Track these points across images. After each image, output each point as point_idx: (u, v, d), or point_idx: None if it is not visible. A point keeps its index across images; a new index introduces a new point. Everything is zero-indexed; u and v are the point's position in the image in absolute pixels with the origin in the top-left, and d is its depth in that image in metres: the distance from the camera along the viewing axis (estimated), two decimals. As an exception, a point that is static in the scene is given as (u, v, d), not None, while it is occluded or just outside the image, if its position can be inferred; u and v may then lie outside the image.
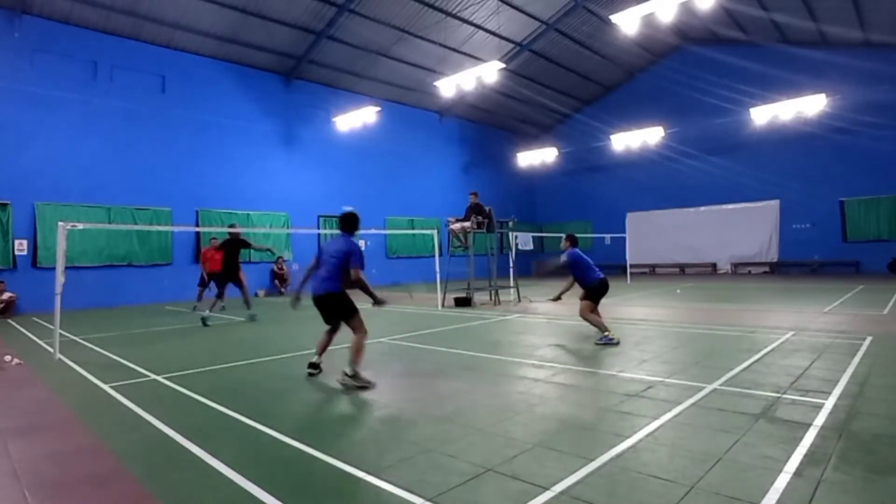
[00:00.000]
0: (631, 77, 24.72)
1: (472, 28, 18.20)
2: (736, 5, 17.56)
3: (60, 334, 6.69)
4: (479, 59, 18.00)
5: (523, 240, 16.12)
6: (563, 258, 7.18)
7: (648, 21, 12.77)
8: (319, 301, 5.07)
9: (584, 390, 4.52)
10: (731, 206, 22.12)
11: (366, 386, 4.69)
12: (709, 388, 4.36)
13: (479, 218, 11.93)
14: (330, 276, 4.98)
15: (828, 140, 19.37)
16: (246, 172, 17.08)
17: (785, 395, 4.07)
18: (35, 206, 13.11)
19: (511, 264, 13.88)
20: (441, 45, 18.13)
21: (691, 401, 4.00)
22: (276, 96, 18.01)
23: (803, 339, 6.53)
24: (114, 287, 14.17)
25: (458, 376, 5.12)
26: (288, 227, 17.81)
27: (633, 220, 22.27)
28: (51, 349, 6.56)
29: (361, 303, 5.09)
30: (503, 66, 15.75)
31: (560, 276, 8.14)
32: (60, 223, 6.67)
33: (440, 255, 13.11)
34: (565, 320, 8.75)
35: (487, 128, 25.84)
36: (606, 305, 10.66)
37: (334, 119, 18.76)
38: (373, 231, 18.99)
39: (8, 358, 6.34)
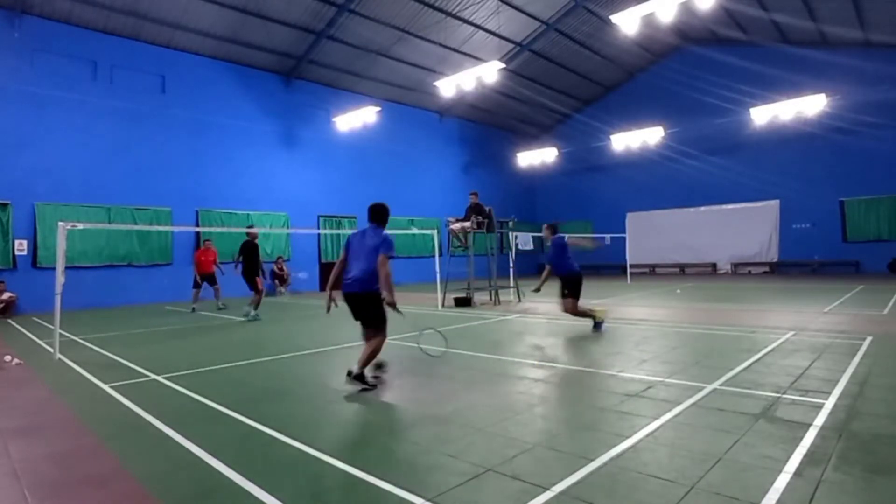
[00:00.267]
0: (631, 77, 24.73)
1: (472, 28, 18.20)
2: (736, 5, 17.56)
3: (60, 334, 6.69)
4: (479, 59, 18.01)
5: (523, 240, 16.14)
6: (549, 244, 7.40)
7: (648, 21, 12.78)
8: (354, 299, 4.76)
9: (584, 390, 4.52)
10: (731, 206, 22.12)
11: (369, 387, 4.61)
12: (709, 388, 4.35)
13: (479, 218, 11.93)
14: (365, 272, 4.68)
15: (828, 140, 19.37)
16: (246, 172, 17.09)
17: (785, 395, 4.07)
18: (35, 206, 13.11)
19: (511, 264, 13.89)
20: (441, 45, 18.13)
21: (691, 401, 4.00)
22: (276, 96, 18.01)
23: (803, 339, 6.53)
24: (114, 287, 14.17)
25: (458, 376, 5.11)
26: (288, 227, 17.81)
27: (633, 220, 22.27)
28: (51, 349, 6.56)
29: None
30: (503, 66, 15.75)
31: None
32: (60, 223, 6.67)
33: (440, 255, 13.12)
34: (565, 320, 8.75)
35: (487, 128, 25.84)
36: (607, 306, 10.65)
37: (334, 119, 18.77)
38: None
39: (8, 358, 6.34)
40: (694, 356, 5.73)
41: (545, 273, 7.55)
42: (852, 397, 3.98)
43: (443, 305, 11.71)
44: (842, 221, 19.66)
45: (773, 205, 21.22)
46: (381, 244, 4.68)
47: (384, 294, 4.63)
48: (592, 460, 2.91)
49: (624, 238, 19.76)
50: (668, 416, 3.67)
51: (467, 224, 11.91)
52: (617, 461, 2.91)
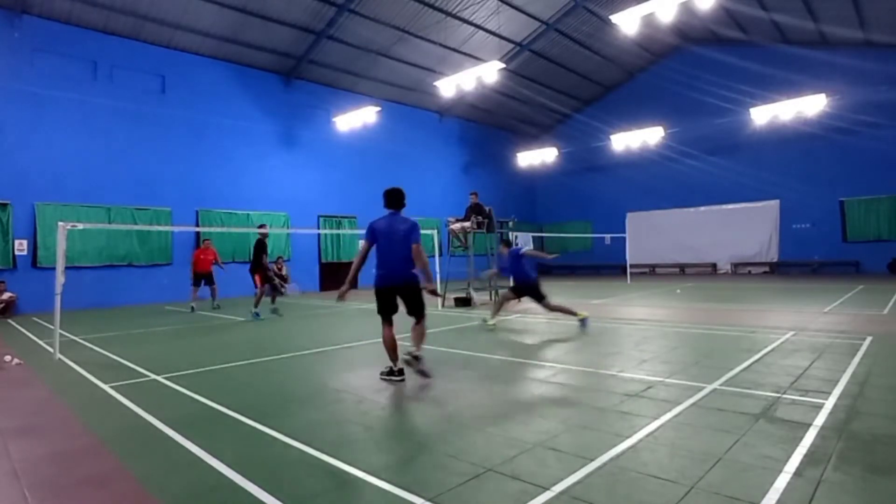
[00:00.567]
0: (631, 77, 24.73)
1: (472, 28, 18.20)
2: (736, 5, 17.56)
3: (60, 334, 6.69)
4: (479, 59, 18.00)
5: (523, 240, 16.14)
6: (507, 256, 8.20)
7: (648, 21, 12.78)
8: (398, 291, 4.71)
9: (584, 390, 4.52)
10: (731, 206, 22.12)
11: (426, 373, 4.72)
12: (709, 388, 4.35)
13: (479, 218, 11.94)
14: (405, 264, 4.64)
15: (828, 140, 19.36)
16: (246, 172, 17.09)
17: (785, 395, 4.07)
18: (35, 206, 13.11)
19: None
20: (441, 45, 18.13)
21: (691, 401, 4.00)
22: (276, 96, 18.01)
23: (803, 339, 6.53)
24: (114, 287, 14.17)
25: (458, 376, 5.11)
26: (288, 227, 17.81)
27: (633, 220, 22.27)
28: (51, 349, 6.56)
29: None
30: (503, 66, 15.75)
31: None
32: (60, 223, 6.67)
33: (440, 255, 13.11)
34: (565, 320, 8.75)
35: (487, 128, 25.84)
36: (607, 305, 10.67)
37: (334, 119, 18.77)
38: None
39: (8, 358, 6.34)
40: (694, 356, 5.73)
41: (491, 273, 8.76)
42: (852, 397, 3.98)
43: (443, 305, 11.71)
44: (842, 221, 19.66)
45: (773, 205, 21.22)
46: (413, 232, 4.71)
47: (424, 283, 4.77)
48: (592, 460, 2.91)
49: (624, 238, 19.76)
50: (668, 416, 3.67)
51: (467, 224, 11.91)
52: (617, 461, 2.91)
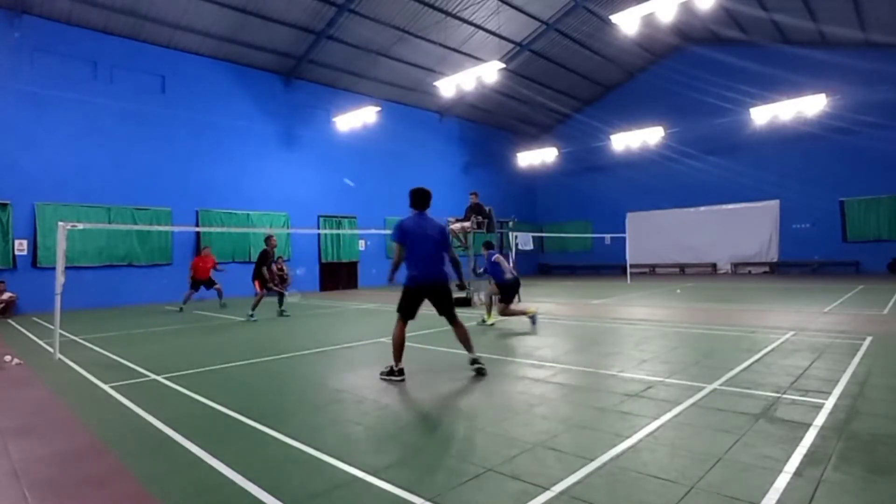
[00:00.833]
0: (631, 77, 24.73)
1: (472, 28, 18.20)
2: (736, 5, 17.56)
3: (60, 334, 6.68)
4: (479, 59, 18.00)
5: (523, 240, 16.13)
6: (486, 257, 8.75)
7: (648, 21, 12.78)
8: (435, 289, 4.83)
9: (584, 390, 4.52)
10: (731, 206, 22.12)
11: (484, 369, 4.93)
12: (709, 388, 4.35)
13: (479, 218, 11.93)
14: (439, 259, 4.75)
15: (828, 140, 19.36)
16: (246, 172, 17.08)
17: (785, 395, 4.07)
18: (35, 206, 13.11)
19: (511, 264, 13.86)
20: (441, 45, 18.13)
21: (691, 401, 4.00)
22: (276, 96, 18.01)
23: (803, 339, 6.53)
24: (114, 287, 14.17)
25: (458, 376, 5.11)
26: (288, 227, 17.80)
27: (633, 220, 22.27)
28: (51, 349, 6.56)
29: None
30: (503, 66, 15.75)
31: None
32: (60, 223, 6.67)
33: (440, 255, 13.09)
34: (565, 320, 8.76)
35: (487, 128, 25.84)
36: (607, 305, 10.68)
37: (334, 119, 18.77)
38: (373, 231, 19.04)
39: (8, 358, 6.34)
40: (694, 356, 5.73)
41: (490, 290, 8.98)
42: (852, 397, 3.98)
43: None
44: (842, 221, 19.66)
45: (773, 205, 21.22)
46: (447, 238, 4.96)
47: (454, 281, 5.10)
48: (592, 460, 2.91)
49: (624, 238, 19.76)
50: (668, 416, 3.67)
51: (467, 224, 11.90)
52: (617, 461, 2.91)
